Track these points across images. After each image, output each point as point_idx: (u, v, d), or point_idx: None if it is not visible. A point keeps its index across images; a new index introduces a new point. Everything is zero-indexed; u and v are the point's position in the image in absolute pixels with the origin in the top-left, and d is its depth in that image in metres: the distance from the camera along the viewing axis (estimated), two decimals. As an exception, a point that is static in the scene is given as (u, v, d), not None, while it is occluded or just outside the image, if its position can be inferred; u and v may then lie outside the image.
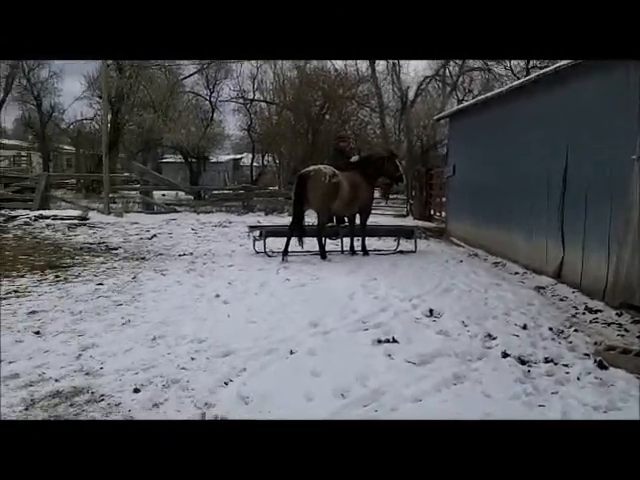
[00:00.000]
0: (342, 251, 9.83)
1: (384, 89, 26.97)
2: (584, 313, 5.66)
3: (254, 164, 31.75)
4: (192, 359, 4.24)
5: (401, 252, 10.07)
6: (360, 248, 9.67)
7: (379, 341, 4.65)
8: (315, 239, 9.15)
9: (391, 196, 26.47)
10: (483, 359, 4.27)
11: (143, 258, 9.13)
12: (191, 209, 18.83)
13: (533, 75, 7.69)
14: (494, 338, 4.75)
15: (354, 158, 10.03)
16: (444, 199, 14.73)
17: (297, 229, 8.89)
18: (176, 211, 18.20)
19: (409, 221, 16.92)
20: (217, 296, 6.31)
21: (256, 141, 29.48)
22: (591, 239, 6.31)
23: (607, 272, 5.81)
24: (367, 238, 9.97)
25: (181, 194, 23.56)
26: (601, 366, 4.03)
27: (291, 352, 4.39)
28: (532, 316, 5.47)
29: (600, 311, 5.64)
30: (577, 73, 6.57)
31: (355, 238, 9.80)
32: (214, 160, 35.33)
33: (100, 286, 6.73)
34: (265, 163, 31.28)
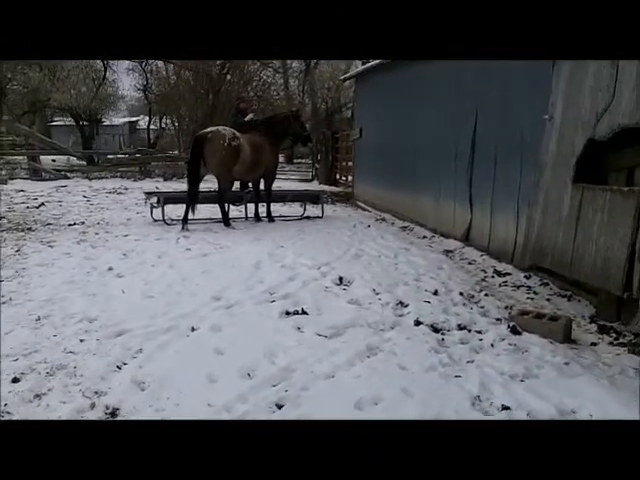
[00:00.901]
0: (246, 218, 9.42)
1: (287, 50, 26.34)
2: (493, 276, 5.65)
3: (151, 127, 30.15)
4: (81, 341, 3.81)
5: (308, 218, 9.82)
6: (265, 214, 9.29)
7: (287, 313, 4.37)
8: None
9: (295, 160, 26.32)
10: (396, 328, 4.10)
11: (29, 229, 8.41)
12: (83, 175, 17.58)
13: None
14: (406, 305, 4.61)
15: (249, 117, 9.53)
16: (350, 163, 14.60)
17: (193, 195, 8.35)
18: (67, 177, 16.93)
19: (315, 186, 16.71)
20: (110, 269, 5.82)
21: (153, 102, 27.99)
22: (500, 201, 6.30)
23: (516, 234, 5.82)
24: (272, 204, 9.61)
25: (73, 159, 21.92)
26: (514, 331, 3.97)
27: (192, 329, 4.04)
28: (442, 281, 5.39)
29: (509, 274, 5.64)
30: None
31: (260, 204, 9.40)
32: (108, 123, 33.32)
33: (-24, 260, 6.00)
34: (163, 126, 29.88)
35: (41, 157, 18.95)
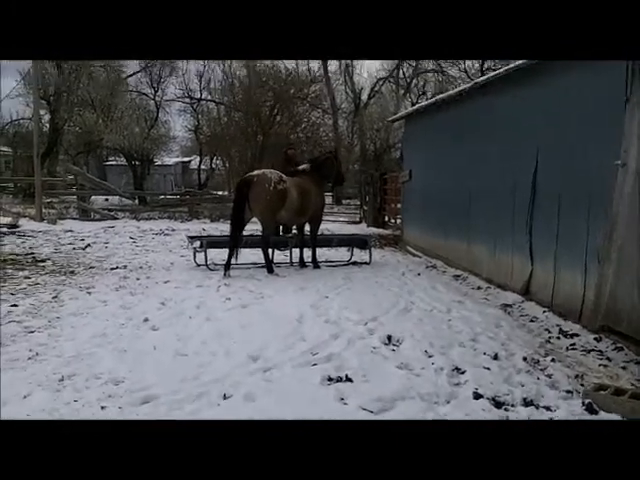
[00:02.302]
0: (291, 263, 9.08)
1: (337, 90, 26.53)
2: (559, 338, 5.06)
3: (202, 167, 30.62)
4: (102, 408, 3.45)
5: (354, 263, 9.41)
6: (310, 260, 8.93)
7: (330, 379, 3.93)
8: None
9: (343, 201, 26.09)
10: (452, 402, 3.60)
11: (72, 272, 8.29)
12: (131, 216, 17.73)
13: (502, 69, 7.01)
14: (462, 372, 4.10)
15: (304, 167, 9.10)
16: (399, 205, 14.19)
17: (236, 240, 8.07)
18: (115, 218, 17.06)
19: (363, 228, 16.34)
20: (145, 320, 5.54)
21: (204, 143, 28.44)
22: (565, 253, 5.73)
23: (584, 291, 5.24)
24: (318, 248, 9.26)
25: (126, 199, 22.29)
26: (590, 410, 3.41)
27: (224, 397, 3.64)
28: (502, 342, 4.86)
29: (576, 335, 5.05)
30: (551, 70, 5.99)
31: (305, 248, 9.05)
32: (159, 163, 34.01)
33: (14, 308, 5.87)
34: (213, 166, 30.26)
35: (93, 197, 19.27)
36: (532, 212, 6.40)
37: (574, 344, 4.84)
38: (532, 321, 5.66)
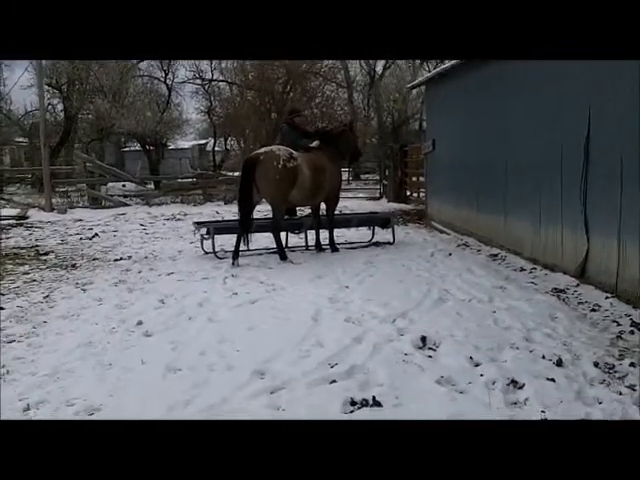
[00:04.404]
0: (307, 247, 8.24)
1: (350, 63, 25.37)
2: (632, 332, 4.11)
3: (217, 149, 29.87)
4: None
5: (376, 244, 8.54)
6: (328, 242, 8.07)
7: (353, 403, 3.11)
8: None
9: (362, 176, 25.14)
10: (513, 431, 2.75)
11: (74, 265, 7.68)
12: (143, 202, 17.06)
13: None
14: (521, 387, 3.25)
15: (315, 143, 8.08)
16: (422, 178, 13.24)
17: (246, 225, 7.25)
18: (126, 205, 16.41)
19: (383, 204, 15.42)
20: (139, 323, 4.82)
21: (217, 124, 27.63)
22: (632, 228, 4.75)
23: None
24: (336, 229, 8.41)
25: (137, 184, 21.66)
26: None
27: (219, 431, 2.84)
28: (563, 341, 3.96)
29: (655, 328, 4.14)
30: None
31: (321, 230, 8.19)
32: (174, 147, 33.35)
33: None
34: (228, 147, 29.45)
35: (110, 184, 18.76)
36: (586, 180, 5.41)
37: (654, 340, 3.92)
38: (594, 310, 4.72)
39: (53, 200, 15.80)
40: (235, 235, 7.36)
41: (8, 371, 3.78)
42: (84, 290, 6.12)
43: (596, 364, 3.52)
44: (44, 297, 5.81)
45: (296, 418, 2.93)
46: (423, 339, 4.04)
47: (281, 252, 7.29)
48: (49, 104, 25.67)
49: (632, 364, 3.50)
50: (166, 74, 29.15)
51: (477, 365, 3.59)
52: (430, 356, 3.80)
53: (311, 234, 8.23)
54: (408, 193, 15.99)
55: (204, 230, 8.10)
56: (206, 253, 7.98)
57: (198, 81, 28.71)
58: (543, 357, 3.68)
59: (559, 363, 3.55)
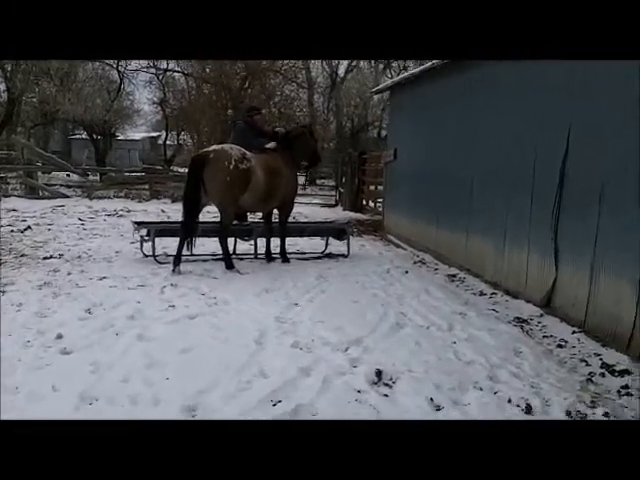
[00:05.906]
0: (256, 256, 7.71)
1: (313, 63, 24.96)
2: (603, 374, 3.79)
3: (168, 142, 28.90)
4: None
5: (329, 256, 8.11)
6: (279, 252, 7.59)
7: (297, 456, 2.65)
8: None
9: (317, 182, 24.72)
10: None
11: (-2, 262, 6.81)
12: (84, 194, 16.14)
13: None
14: (488, 440, 2.86)
15: (271, 144, 7.58)
16: (380, 188, 12.89)
17: (190, 228, 6.67)
18: (66, 196, 15.47)
19: (338, 212, 15.04)
20: (59, 337, 4.24)
21: (170, 117, 26.70)
22: (608, 260, 4.45)
23: (636, 310, 4.00)
24: (288, 238, 7.92)
25: (90, 175, 20.57)
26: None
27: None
28: (530, 382, 3.60)
29: (627, 372, 3.76)
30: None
31: (273, 238, 7.71)
32: (123, 138, 32.14)
33: None
34: (180, 142, 28.54)
35: (54, 172, 17.74)
36: (559, 205, 5.08)
37: (627, 386, 3.57)
38: (560, 346, 4.37)
39: (-13, 187, 14.78)
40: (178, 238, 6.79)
41: None
42: (3, 292, 5.45)
43: (568, 413, 3.16)
44: (-47, 302, 5.12)
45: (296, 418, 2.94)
46: (378, 373, 3.60)
47: (227, 260, 6.74)
48: (-8, 87, 24.30)
49: (606, 414, 3.17)
50: (118, 60, 27.95)
51: (438, 409, 3.18)
52: (386, 394, 3.36)
53: (261, 242, 7.72)
54: (364, 202, 15.63)
55: (144, 231, 7.49)
56: (146, 256, 7.36)
57: (152, 70, 27.60)
58: (509, 401, 3.30)
59: (528, 410, 3.18)
